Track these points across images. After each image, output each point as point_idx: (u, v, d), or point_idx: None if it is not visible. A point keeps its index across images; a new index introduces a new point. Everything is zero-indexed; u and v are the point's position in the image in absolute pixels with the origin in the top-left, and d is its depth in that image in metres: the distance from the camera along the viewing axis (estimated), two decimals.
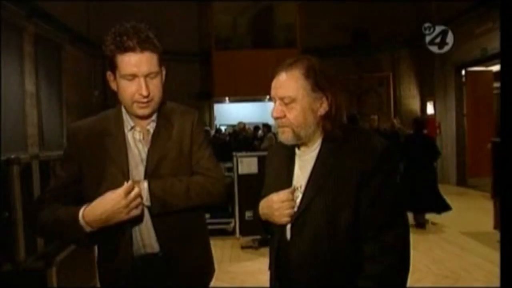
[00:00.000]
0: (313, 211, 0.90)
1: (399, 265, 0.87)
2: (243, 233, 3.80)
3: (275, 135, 7.08)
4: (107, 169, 1.03)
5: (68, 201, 1.02)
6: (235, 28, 9.65)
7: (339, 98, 0.93)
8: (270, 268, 1.08)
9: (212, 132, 8.36)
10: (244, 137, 6.95)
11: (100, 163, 1.03)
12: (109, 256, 1.07)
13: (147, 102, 1.00)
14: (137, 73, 0.98)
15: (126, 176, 1.02)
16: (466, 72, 7.34)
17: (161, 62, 1.04)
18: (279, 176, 1.00)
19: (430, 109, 8.46)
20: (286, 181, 0.97)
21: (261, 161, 3.73)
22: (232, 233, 4.14)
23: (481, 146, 5.97)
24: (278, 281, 1.05)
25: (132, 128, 1.07)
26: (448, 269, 3.22)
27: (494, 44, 6.19)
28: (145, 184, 1.01)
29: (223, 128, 8.94)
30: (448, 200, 6.40)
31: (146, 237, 1.05)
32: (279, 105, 0.92)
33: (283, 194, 0.92)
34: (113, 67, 1.01)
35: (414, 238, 4.23)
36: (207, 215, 4.24)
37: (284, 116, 0.92)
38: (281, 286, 1.05)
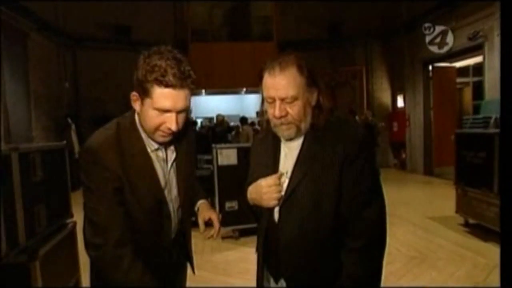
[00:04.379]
0: (299, 194, 0.99)
1: (378, 238, 0.97)
2: (223, 223, 3.84)
3: (253, 125, 7.14)
4: (144, 189, 1.06)
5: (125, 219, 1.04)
6: (211, 20, 9.55)
7: (326, 89, 1.01)
8: (257, 250, 1.16)
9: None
10: (221, 130, 6.97)
11: (134, 181, 1.04)
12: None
13: (173, 133, 1.03)
14: (171, 109, 0.97)
15: (162, 195, 1.10)
16: (433, 67, 7.75)
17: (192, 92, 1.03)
18: (266, 162, 1.08)
19: (400, 102, 8.87)
20: (273, 167, 1.05)
21: (240, 152, 3.80)
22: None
23: (446, 137, 6.38)
24: (266, 263, 1.14)
25: (156, 149, 1.10)
26: (416, 250, 3.47)
27: (457, 41, 6.59)
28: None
29: (199, 121, 8.89)
30: (416, 188, 6.82)
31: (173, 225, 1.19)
32: (281, 105, 0.96)
33: (270, 179, 1.00)
34: (145, 94, 0.97)
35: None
36: None
37: (287, 114, 0.97)
38: (269, 267, 1.14)
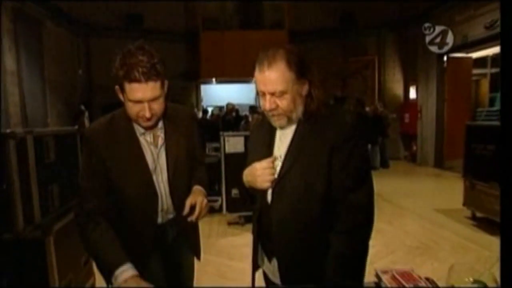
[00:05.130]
0: (291, 177, 1.04)
1: (365, 221, 1.02)
2: (230, 210, 3.96)
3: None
4: (131, 168, 1.20)
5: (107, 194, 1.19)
6: (222, 8, 9.50)
7: (317, 79, 1.05)
8: (253, 231, 1.22)
9: (200, 113, 8.39)
10: (230, 119, 7.03)
11: (123, 163, 1.20)
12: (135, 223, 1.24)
13: (150, 119, 1.16)
14: (142, 100, 1.11)
15: (149, 174, 1.22)
16: (447, 58, 7.56)
17: (164, 81, 1.15)
18: (262, 147, 1.13)
19: (412, 93, 8.72)
20: (267, 152, 1.10)
21: (247, 140, 3.85)
22: (219, 210, 4.30)
23: (458, 130, 6.27)
24: (260, 242, 1.20)
25: (143, 133, 1.23)
26: (419, 241, 3.49)
27: (474, 31, 6.39)
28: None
29: (209, 109, 8.96)
30: (425, 180, 6.76)
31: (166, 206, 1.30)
32: (270, 98, 1.01)
33: (264, 162, 1.05)
34: (121, 88, 1.13)
35: (391, 214, 4.50)
36: None
37: (277, 106, 1.02)
38: (263, 247, 1.20)
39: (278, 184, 1.06)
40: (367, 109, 7.41)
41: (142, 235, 1.25)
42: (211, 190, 4.49)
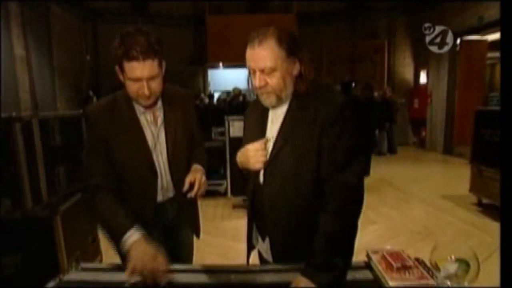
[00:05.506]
0: (282, 158, 1.05)
1: (354, 200, 1.03)
2: (234, 193, 4.02)
3: None
4: (131, 146, 1.24)
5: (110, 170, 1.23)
6: None
7: (308, 59, 1.05)
8: (247, 212, 1.25)
9: (206, 99, 8.39)
10: (238, 104, 7.01)
11: (124, 141, 1.23)
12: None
13: (149, 97, 1.20)
14: (140, 78, 1.15)
15: (149, 152, 1.26)
16: (461, 41, 7.32)
17: (161, 61, 1.19)
18: (255, 129, 1.15)
19: (423, 78, 8.52)
20: (260, 133, 1.12)
21: None
22: (224, 193, 4.37)
23: (469, 115, 6.12)
24: (255, 223, 1.23)
25: (143, 112, 1.27)
26: (422, 226, 3.50)
27: (491, 11, 6.14)
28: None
29: (216, 94, 8.95)
30: (433, 166, 6.70)
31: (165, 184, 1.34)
32: (260, 75, 1.02)
33: (257, 144, 1.07)
34: (120, 68, 1.17)
35: (396, 199, 4.49)
36: None
37: (266, 84, 1.03)
38: (257, 226, 1.23)
39: (269, 165, 1.08)
40: (376, 94, 7.29)
41: (142, 213, 1.29)
42: (217, 174, 4.58)
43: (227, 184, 4.21)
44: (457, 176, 5.53)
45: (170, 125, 1.30)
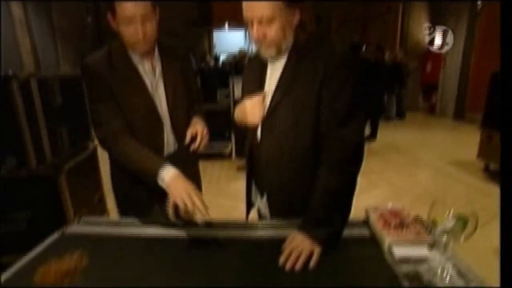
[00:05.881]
0: (280, 113, 1.01)
1: (353, 156, 0.99)
2: (239, 155, 4.04)
3: None
4: (133, 95, 1.21)
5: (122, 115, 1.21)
6: None
7: (309, 7, 0.97)
8: (245, 169, 1.24)
9: (212, 61, 8.20)
10: (243, 65, 6.85)
11: (125, 90, 1.20)
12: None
13: (144, 41, 1.16)
14: (133, 17, 1.11)
15: (152, 100, 1.23)
16: (482, 2, 6.84)
17: (155, 7, 1.17)
18: (252, 83, 1.10)
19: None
20: (258, 87, 1.07)
21: None
22: (229, 155, 4.39)
23: (485, 81, 5.88)
24: (253, 179, 1.23)
25: (140, 62, 1.23)
26: (427, 191, 3.50)
27: None
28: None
29: (222, 57, 8.74)
30: (442, 132, 6.58)
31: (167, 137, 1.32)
32: (258, 27, 0.95)
33: (254, 98, 1.03)
34: (113, 13, 1.13)
35: (402, 164, 4.45)
36: None
37: (265, 36, 0.96)
38: (256, 183, 1.22)
39: (267, 119, 1.04)
40: (386, 56, 7.01)
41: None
42: (222, 136, 4.58)
43: (231, 146, 4.22)
44: (466, 142, 5.44)
45: (169, 76, 1.27)
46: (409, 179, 3.88)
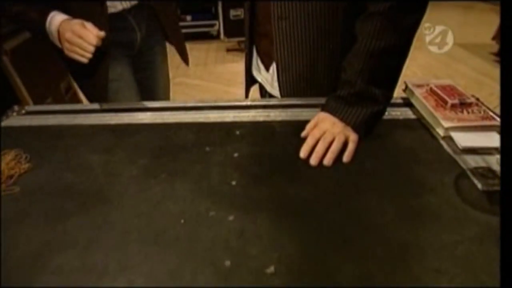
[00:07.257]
0: None
1: (412, 4, 0.67)
2: (228, 35, 3.53)
3: None
4: None
5: None
6: None
7: None
8: (244, 29, 0.90)
9: None
10: None
11: None
12: None
13: None
14: None
15: None
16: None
17: None
18: None
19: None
20: None
21: None
22: (216, 36, 3.86)
23: None
24: (255, 45, 0.90)
25: None
26: (432, 75, 3.25)
27: None
28: None
29: None
30: (453, 12, 5.93)
31: None
32: None
33: None
34: None
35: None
36: (189, 18, 3.83)
37: None
38: (259, 51, 0.90)
39: None
40: None
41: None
42: (208, 13, 3.94)
43: (219, 25, 3.66)
44: (479, 23, 4.93)
45: None
46: (413, 62, 3.56)
